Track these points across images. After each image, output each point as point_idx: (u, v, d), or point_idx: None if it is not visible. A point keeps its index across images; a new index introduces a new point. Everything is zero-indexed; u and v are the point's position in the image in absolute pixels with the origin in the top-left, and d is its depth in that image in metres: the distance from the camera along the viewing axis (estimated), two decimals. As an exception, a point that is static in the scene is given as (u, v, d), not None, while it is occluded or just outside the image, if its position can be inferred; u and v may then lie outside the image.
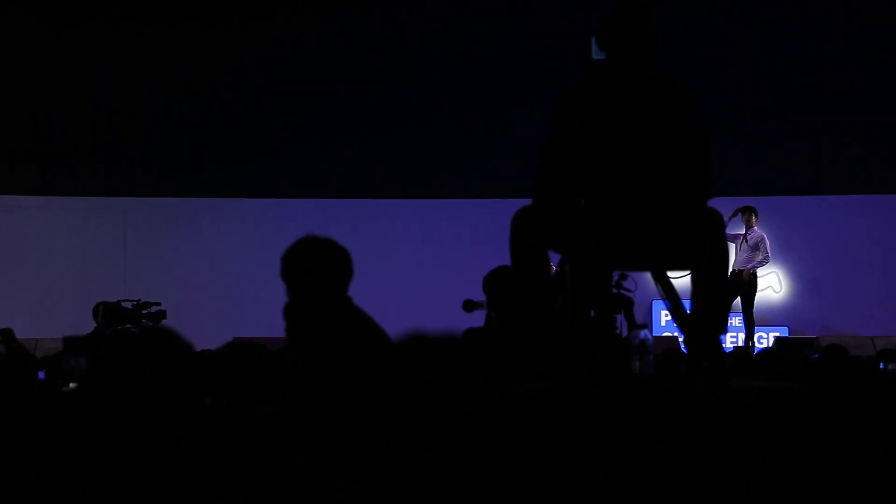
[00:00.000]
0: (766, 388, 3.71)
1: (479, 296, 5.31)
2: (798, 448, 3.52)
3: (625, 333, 5.13)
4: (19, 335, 10.55)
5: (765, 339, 13.76)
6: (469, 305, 5.38)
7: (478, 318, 5.46)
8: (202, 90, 14.54)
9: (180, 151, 14.83)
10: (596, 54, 4.43)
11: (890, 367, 4.77)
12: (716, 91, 13.68)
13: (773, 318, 14.59)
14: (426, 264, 14.71)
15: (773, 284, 14.84)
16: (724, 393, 3.63)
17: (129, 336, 3.01)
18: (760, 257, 12.69)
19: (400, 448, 3.21)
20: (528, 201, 4.33)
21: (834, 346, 8.15)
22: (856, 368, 5.76)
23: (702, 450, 3.42)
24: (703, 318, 4.17)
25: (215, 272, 14.86)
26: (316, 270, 4.20)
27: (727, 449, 3.43)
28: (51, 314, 13.64)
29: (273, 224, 14.89)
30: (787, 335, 13.71)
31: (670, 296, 4.38)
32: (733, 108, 14.28)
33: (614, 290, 5.07)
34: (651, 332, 4.28)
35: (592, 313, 4.49)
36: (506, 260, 4.60)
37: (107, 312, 9.94)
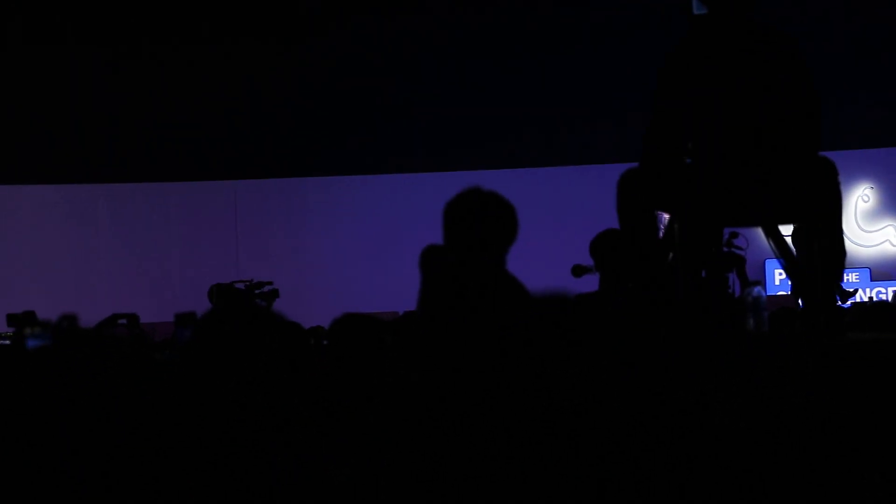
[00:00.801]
0: (883, 340, 3.64)
1: (588, 260, 5.29)
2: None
3: (738, 292, 5.07)
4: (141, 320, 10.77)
5: (883, 293, 13.52)
6: (578, 270, 5.37)
7: (588, 283, 5.44)
8: (307, 70, 14.69)
9: (286, 131, 15.00)
10: (697, 9, 4.38)
11: None
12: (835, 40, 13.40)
13: (892, 272, 14.30)
14: (535, 231, 14.67)
15: (890, 238, 14.54)
16: (839, 346, 3.58)
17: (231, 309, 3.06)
18: None
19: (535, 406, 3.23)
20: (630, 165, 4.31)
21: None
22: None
23: (818, 405, 3.37)
24: (818, 270, 4.12)
25: (326, 250, 15.01)
26: (485, 224, 3.91)
27: (842, 403, 3.38)
28: (168, 298, 13.93)
29: (382, 200, 15.02)
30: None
31: (783, 250, 4.33)
32: (846, 60, 13.99)
33: (725, 249, 5.02)
34: (765, 289, 4.22)
35: (704, 273, 4.45)
36: (610, 224, 4.59)
37: (221, 294, 10.12)
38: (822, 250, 4.09)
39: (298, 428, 2.87)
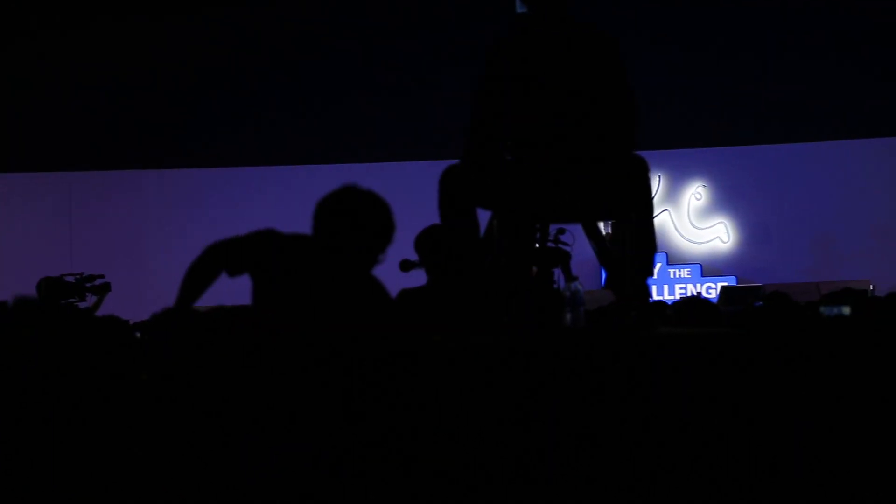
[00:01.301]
0: (689, 335, 3.76)
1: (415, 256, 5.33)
2: (723, 392, 3.58)
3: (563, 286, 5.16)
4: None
5: (713, 289, 13.91)
6: (406, 265, 5.39)
7: (417, 278, 5.47)
8: (145, 60, 14.45)
9: (121, 122, 14.73)
10: (520, 7, 4.43)
11: (821, 309, 4.83)
12: (652, 44, 13.75)
13: (722, 268, 14.73)
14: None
15: (720, 235, 14.96)
16: (649, 340, 3.68)
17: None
18: None
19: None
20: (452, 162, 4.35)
21: (776, 293, 8.24)
22: (794, 314, 5.84)
23: (625, 395, 3.47)
24: (630, 264, 4.23)
25: (161, 244, 14.77)
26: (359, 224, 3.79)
27: (649, 394, 3.48)
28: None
29: (216, 193, 14.86)
30: (734, 284, 13.86)
31: (599, 246, 4.43)
32: (671, 60, 14.36)
33: (552, 245, 5.10)
34: (582, 286, 4.31)
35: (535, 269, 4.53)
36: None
37: (49, 287, 9.88)
38: (634, 245, 4.20)
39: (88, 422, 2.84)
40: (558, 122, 4.20)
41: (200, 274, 3.59)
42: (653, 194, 4.36)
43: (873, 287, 12.56)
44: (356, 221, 3.64)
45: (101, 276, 10.48)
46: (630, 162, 4.26)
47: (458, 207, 4.30)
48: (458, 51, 13.44)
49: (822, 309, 4.51)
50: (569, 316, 4.24)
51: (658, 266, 13.70)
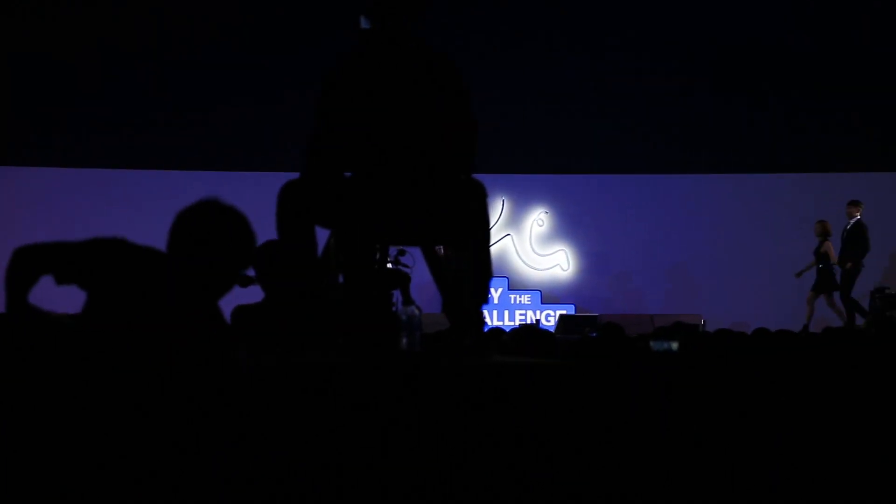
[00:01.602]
0: (522, 364, 3.78)
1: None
2: (548, 421, 3.60)
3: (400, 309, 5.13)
4: None
5: (552, 316, 14.08)
6: (244, 281, 5.28)
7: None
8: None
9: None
10: (364, 23, 4.39)
11: (651, 344, 4.92)
12: (502, 70, 13.90)
13: (561, 296, 14.93)
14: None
15: (560, 263, 15.17)
16: (480, 367, 3.68)
17: None
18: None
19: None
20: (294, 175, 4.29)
21: (610, 325, 8.39)
22: (625, 346, 5.94)
23: (454, 422, 3.46)
24: (465, 289, 4.22)
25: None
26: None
27: (480, 421, 3.48)
28: None
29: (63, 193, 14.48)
30: (573, 313, 14.05)
31: (436, 268, 4.42)
32: (518, 86, 14.53)
33: (391, 266, 5.07)
34: (420, 309, 4.29)
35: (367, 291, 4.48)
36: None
37: None
38: (471, 270, 4.19)
39: None
40: (399, 141, 4.18)
41: (15, 277, 3.37)
42: (490, 220, 4.36)
43: (704, 322, 12.89)
44: (206, 237, 3.46)
45: None
46: (469, 186, 4.26)
47: (296, 223, 4.24)
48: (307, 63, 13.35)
49: (651, 343, 4.60)
50: (405, 339, 4.21)
51: (499, 291, 13.84)
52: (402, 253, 5.72)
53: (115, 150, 14.63)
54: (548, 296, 14.73)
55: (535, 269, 15.09)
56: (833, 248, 13.40)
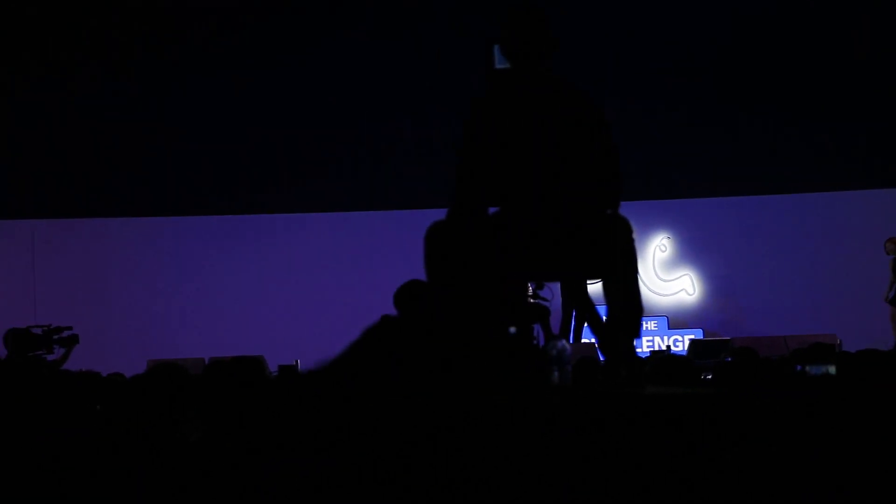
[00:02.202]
0: (679, 395, 3.75)
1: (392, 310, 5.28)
2: (714, 452, 3.57)
3: (542, 343, 5.14)
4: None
5: (680, 342, 13.93)
6: (386, 321, 5.33)
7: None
8: (101, 105, 14.41)
9: (83, 169, 14.63)
10: (499, 63, 4.44)
11: (807, 368, 4.83)
12: (620, 94, 13.86)
13: (688, 320, 14.77)
14: (338, 278, 14.66)
15: (686, 287, 15.02)
16: (639, 400, 3.66)
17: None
18: None
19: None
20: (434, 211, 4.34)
21: (745, 349, 8.28)
22: (767, 370, 5.85)
23: (618, 456, 3.44)
24: (617, 324, 4.21)
25: (127, 293, 14.65)
26: None
27: (643, 454, 3.46)
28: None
29: (180, 242, 14.77)
30: (701, 337, 13.87)
31: (584, 303, 4.42)
32: (638, 111, 14.48)
33: (531, 300, 5.09)
34: (569, 340, 4.29)
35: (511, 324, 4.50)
36: (414, 272, 4.61)
37: (17, 339, 9.78)
38: (620, 305, 4.19)
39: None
40: (543, 176, 4.20)
41: None
42: (638, 255, 4.36)
43: (840, 342, 12.62)
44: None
45: (69, 328, 10.38)
46: (615, 221, 4.26)
47: (446, 262, 4.28)
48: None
49: (808, 368, 4.51)
50: (556, 374, 4.21)
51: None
52: (540, 287, 5.73)
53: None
54: (674, 321, 14.57)
55: (660, 294, 14.94)
56: None
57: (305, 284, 14.57)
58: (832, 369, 4.40)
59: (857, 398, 3.71)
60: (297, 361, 11.76)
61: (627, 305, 4.21)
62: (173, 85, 14.40)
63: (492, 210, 4.33)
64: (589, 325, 4.45)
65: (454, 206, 4.26)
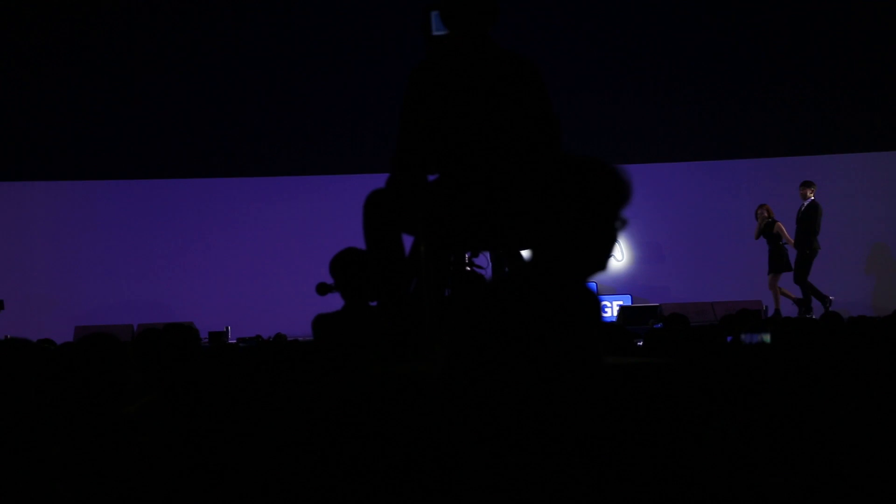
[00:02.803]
0: (618, 364, 3.76)
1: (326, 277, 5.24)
2: (650, 421, 3.59)
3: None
4: None
5: (609, 307, 14.03)
6: (323, 289, 5.30)
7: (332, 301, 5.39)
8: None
9: (7, 130, 14.37)
10: (437, 30, 4.40)
11: (742, 337, 4.86)
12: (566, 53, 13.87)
13: (617, 286, 14.86)
14: (276, 244, 14.57)
15: (615, 253, 15.08)
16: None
17: None
18: None
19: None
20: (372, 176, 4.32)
21: (675, 315, 8.37)
22: (700, 341, 5.90)
23: (552, 426, 3.44)
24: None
25: (51, 258, 14.43)
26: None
27: (578, 424, 3.46)
28: None
29: (109, 206, 14.58)
30: (630, 304, 13.99)
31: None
32: (575, 74, 14.51)
33: (467, 269, 5.07)
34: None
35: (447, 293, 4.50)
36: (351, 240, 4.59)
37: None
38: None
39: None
40: (482, 144, 4.18)
41: None
42: None
43: (766, 307, 12.79)
44: None
45: None
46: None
47: (384, 231, 4.26)
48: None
49: (743, 337, 4.55)
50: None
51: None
52: (475, 255, 5.72)
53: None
54: (603, 287, 14.66)
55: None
56: (785, 229, 13.39)
57: (234, 249, 14.46)
58: (767, 337, 4.44)
59: (795, 369, 3.75)
60: (227, 328, 11.69)
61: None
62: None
63: (431, 178, 4.31)
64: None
65: (393, 173, 4.24)
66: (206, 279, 14.21)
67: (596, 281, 14.59)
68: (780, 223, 13.45)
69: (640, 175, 14.93)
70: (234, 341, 10.70)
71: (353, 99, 14.35)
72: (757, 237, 13.64)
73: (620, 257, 14.86)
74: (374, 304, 5.01)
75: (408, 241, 4.40)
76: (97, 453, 3.13)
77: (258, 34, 14.48)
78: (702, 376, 3.79)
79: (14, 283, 13.10)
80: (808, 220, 13.18)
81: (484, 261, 5.73)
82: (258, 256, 14.37)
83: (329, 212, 13.60)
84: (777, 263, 13.36)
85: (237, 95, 14.56)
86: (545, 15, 14.51)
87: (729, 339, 5.91)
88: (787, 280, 13.41)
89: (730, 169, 15.03)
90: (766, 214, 13.50)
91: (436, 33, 4.66)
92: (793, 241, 13.30)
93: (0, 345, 3.54)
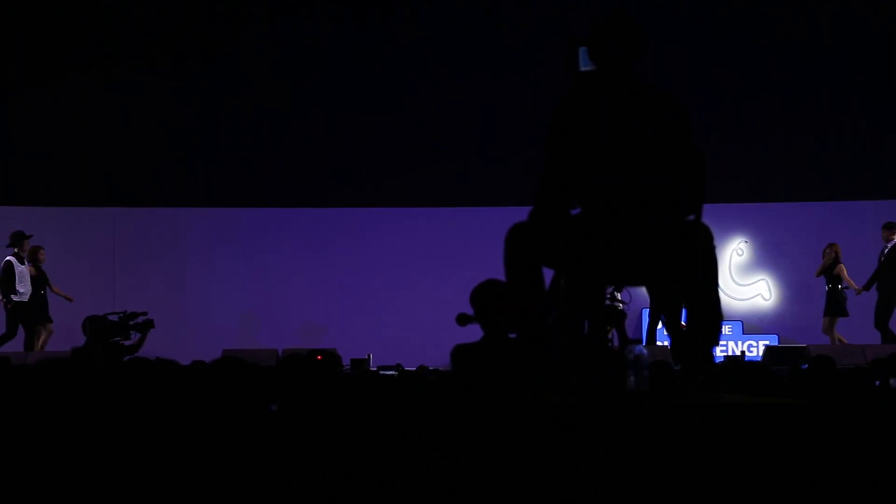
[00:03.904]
0: (758, 405, 3.71)
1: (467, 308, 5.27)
2: (790, 463, 3.53)
3: (616, 345, 5.11)
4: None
5: (755, 347, 13.79)
6: (463, 319, 5.32)
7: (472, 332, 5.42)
8: (182, 93, 14.61)
9: (165, 160, 14.84)
10: (584, 65, 4.41)
11: (891, 381, 4.75)
12: (707, 95, 13.75)
13: (763, 325, 14.62)
14: (421, 273, 14.71)
15: (762, 292, 14.86)
16: (717, 408, 3.63)
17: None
18: None
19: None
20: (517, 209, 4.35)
21: (822, 357, 8.17)
22: (845, 380, 5.77)
23: (695, 464, 3.42)
24: (696, 330, 4.18)
25: (204, 282, 14.82)
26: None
27: (720, 463, 3.44)
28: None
29: (259, 233, 14.91)
30: (776, 344, 13.72)
31: (666, 309, 4.39)
32: (721, 112, 14.37)
33: (608, 303, 5.05)
34: (645, 349, 4.27)
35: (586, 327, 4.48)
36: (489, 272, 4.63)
37: (94, 326, 9.99)
38: (699, 311, 4.15)
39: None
40: (626, 179, 4.18)
41: None
42: (718, 263, 4.31)
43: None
44: None
45: (144, 314, 10.55)
46: (697, 228, 4.23)
47: (524, 264, 4.28)
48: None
49: (891, 381, 4.44)
50: (632, 378, 4.19)
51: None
52: (618, 289, 5.69)
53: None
54: (749, 326, 14.42)
55: (735, 298, 14.79)
56: (845, 271, 12.96)
57: (378, 279, 14.65)
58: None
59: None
60: (369, 356, 11.83)
61: (706, 311, 4.17)
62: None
63: (574, 212, 4.32)
64: (667, 328, 4.42)
65: (536, 206, 4.26)
66: (350, 307, 14.44)
67: (742, 319, 14.37)
68: (842, 265, 13.06)
69: (790, 213, 14.72)
70: (375, 369, 10.83)
71: (499, 130, 14.45)
72: (818, 275, 13.23)
73: (768, 296, 14.67)
74: (513, 335, 5.03)
75: (548, 274, 4.41)
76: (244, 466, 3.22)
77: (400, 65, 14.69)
78: (842, 419, 3.71)
79: (168, 306, 13.49)
80: (893, 263, 12.76)
81: (627, 296, 5.70)
82: (402, 286, 14.55)
83: (472, 243, 13.70)
84: (833, 307, 12.99)
85: (369, 123, 14.81)
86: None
87: (878, 383, 5.76)
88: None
89: (881, 208, 14.65)
90: (832, 254, 13.09)
91: (583, 69, 4.67)
92: (855, 286, 12.92)
93: (149, 365, 3.67)
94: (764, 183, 14.90)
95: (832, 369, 7.18)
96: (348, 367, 10.68)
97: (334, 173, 14.93)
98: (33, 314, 12.36)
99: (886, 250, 12.92)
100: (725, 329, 14.08)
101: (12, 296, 12.23)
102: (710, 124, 14.16)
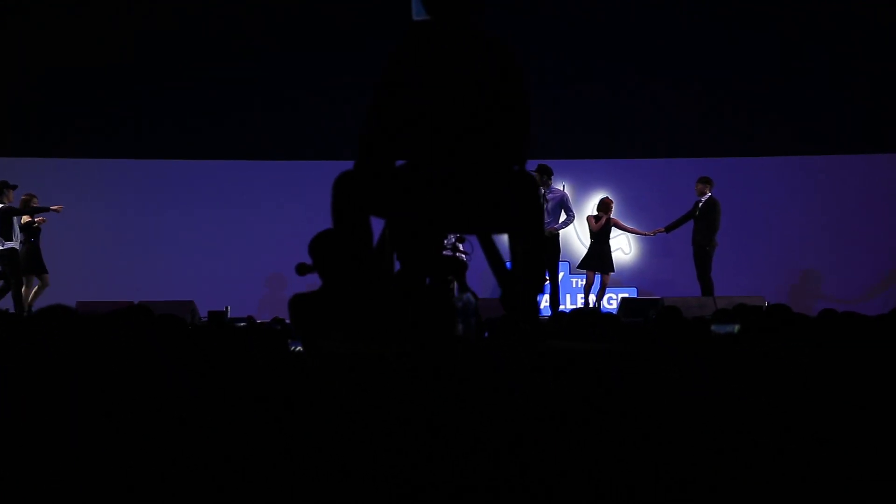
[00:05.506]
0: (580, 350, 3.77)
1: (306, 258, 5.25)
2: (609, 409, 3.58)
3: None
4: None
5: (614, 300, 14.00)
6: (302, 269, 5.31)
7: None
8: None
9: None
10: (417, 14, 4.40)
11: (713, 327, 4.86)
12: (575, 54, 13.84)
13: (623, 279, 14.83)
14: (255, 226, 14.66)
15: (622, 246, 15.07)
16: (538, 354, 3.67)
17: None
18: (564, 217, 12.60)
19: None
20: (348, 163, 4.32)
21: (670, 308, 8.32)
22: (686, 329, 5.88)
23: (514, 411, 3.45)
24: (520, 278, 4.22)
25: (57, 233, 14.52)
26: None
27: (540, 410, 3.47)
28: None
29: (114, 185, 14.65)
30: (635, 296, 13.96)
31: (492, 257, 4.42)
32: (590, 69, 14.49)
33: (449, 253, 5.07)
34: (475, 296, 4.29)
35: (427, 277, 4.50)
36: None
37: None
38: (523, 260, 4.19)
39: None
40: (450, 130, 4.18)
41: None
42: (542, 211, 4.36)
43: (767, 304, 12.72)
44: None
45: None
46: (521, 177, 4.26)
47: (351, 214, 4.26)
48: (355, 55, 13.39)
49: (713, 327, 4.55)
50: (461, 326, 4.23)
51: (561, 275, 13.75)
52: (461, 240, 5.72)
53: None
54: (611, 279, 14.62)
55: (596, 253, 14.96)
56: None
57: (231, 231, 14.57)
58: (736, 328, 4.44)
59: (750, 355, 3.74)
60: (227, 308, 11.74)
61: (530, 261, 4.21)
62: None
63: (399, 162, 4.31)
64: (496, 278, 4.45)
65: (359, 156, 4.24)
66: (206, 259, 14.35)
67: (601, 272, 14.59)
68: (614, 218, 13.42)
69: (652, 169, 14.95)
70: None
71: (330, 84, 14.40)
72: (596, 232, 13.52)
73: (628, 250, 14.89)
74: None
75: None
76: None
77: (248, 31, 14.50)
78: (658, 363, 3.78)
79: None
80: (709, 216, 13.15)
81: (469, 247, 5.71)
82: (252, 239, 14.50)
83: (303, 197, 13.71)
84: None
85: (219, 78, 14.63)
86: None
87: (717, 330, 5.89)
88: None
89: (746, 165, 14.98)
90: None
91: (416, 18, 4.66)
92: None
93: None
94: (628, 139, 15.09)
95: (677, 319, 7.32)
96: (205, 318, 10.60)
97: (192, 123, 14.73)
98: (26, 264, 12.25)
99: (701, 203, 13.24)
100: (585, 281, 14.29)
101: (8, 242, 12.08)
102: (581, 79, 14.29)
